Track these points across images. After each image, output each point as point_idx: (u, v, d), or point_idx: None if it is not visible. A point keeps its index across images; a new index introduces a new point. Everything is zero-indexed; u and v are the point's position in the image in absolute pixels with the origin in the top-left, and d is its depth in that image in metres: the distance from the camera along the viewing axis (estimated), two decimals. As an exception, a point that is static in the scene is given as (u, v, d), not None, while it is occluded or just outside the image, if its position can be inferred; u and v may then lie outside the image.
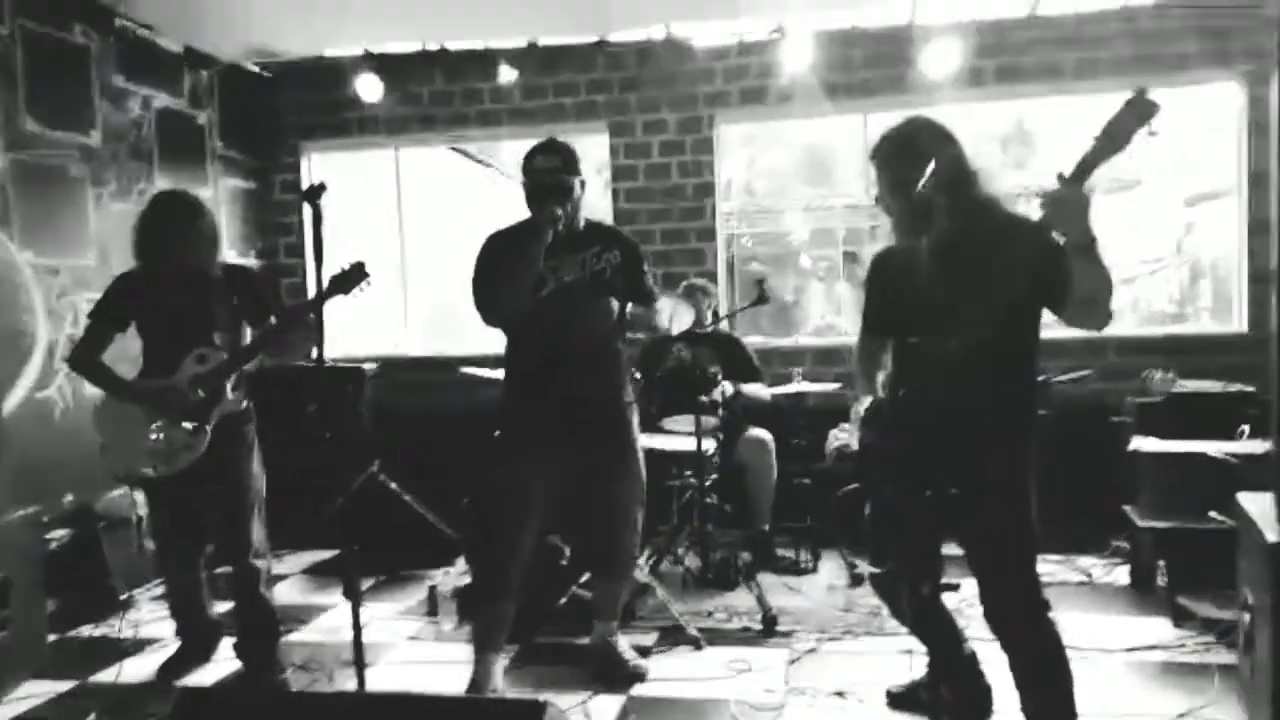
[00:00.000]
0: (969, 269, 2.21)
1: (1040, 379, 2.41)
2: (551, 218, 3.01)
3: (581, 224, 3.21)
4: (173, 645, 3.68)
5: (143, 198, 5.11)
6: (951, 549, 2.44)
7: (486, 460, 3.27)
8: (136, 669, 3.62)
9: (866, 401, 2.57)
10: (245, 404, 3.41)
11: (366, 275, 3.02)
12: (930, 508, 2.17)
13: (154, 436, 3.22)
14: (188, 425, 3.22)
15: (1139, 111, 1.90)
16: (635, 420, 3.34)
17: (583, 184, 3.16)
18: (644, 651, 3.59)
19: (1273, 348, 2.47)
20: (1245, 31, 5.13)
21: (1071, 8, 5.32)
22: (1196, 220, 10.24)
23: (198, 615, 3.60)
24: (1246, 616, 2.85)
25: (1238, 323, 5.38)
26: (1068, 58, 5.37)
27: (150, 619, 4.15)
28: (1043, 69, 5.42)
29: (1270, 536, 2.50)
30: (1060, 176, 2.00)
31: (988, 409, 2.25)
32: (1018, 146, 14.76)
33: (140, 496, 4.62)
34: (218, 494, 3.35)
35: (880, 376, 2.62)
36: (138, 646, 3.86)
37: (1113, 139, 1.93)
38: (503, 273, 3.08)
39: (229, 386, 3.29)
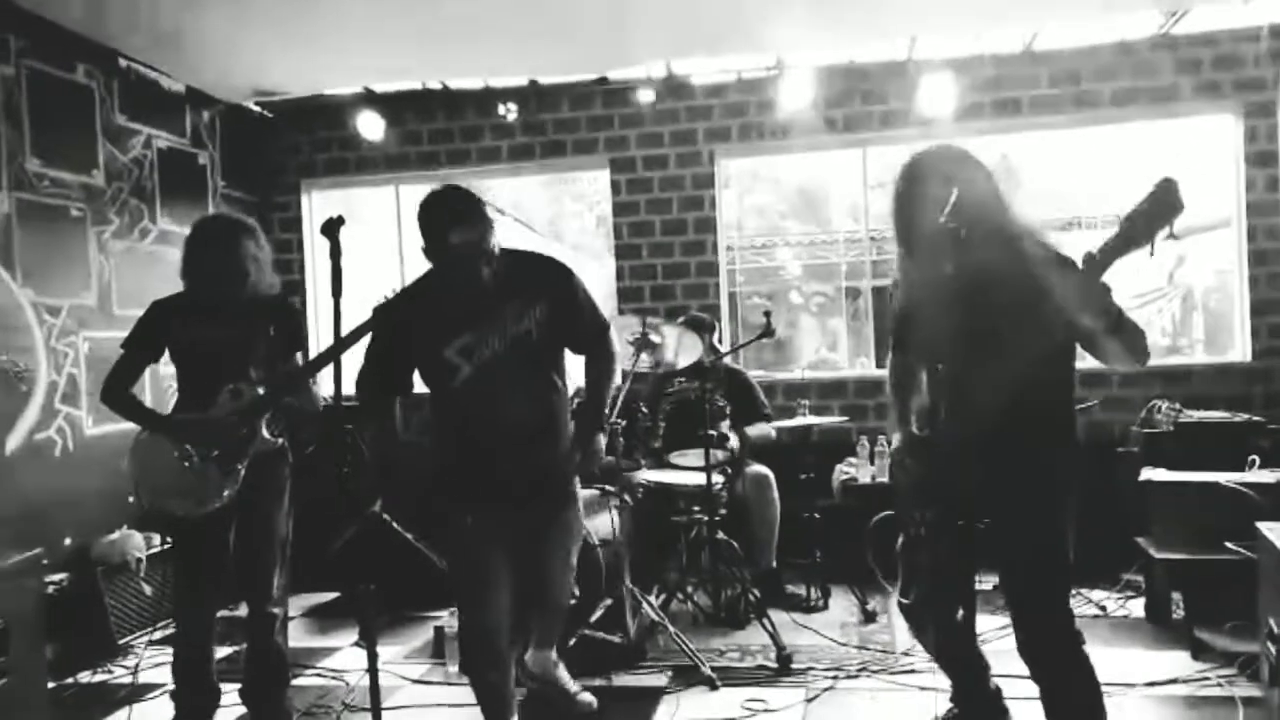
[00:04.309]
0: (1001, 302, 2.17)
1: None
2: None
3: (496, 269, 2.75)
4: (171, 688, 3.56)
5: (145, 237, 5.10)
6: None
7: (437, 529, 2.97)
8: (140, 717, 3.54)
9: (895, 439, 2.53)
10: (281, 443, 3.24)
11: None
12: (964, 538, 2.14)
13: (187, 475, 3.05)
14: (222, 464, 3.06)
15: (1161, 207, 1.82)
16: (577, 489, 3.06)
17: (493, 226, 2.76)
18: (657, 692, 3.52)
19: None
20: (1241, 64, 5.21)
21: (1067, 43, 5.39)
22: (1187, 252, 10.30)
23: (201, 678, 3.28)
24: (1271, 647, 2.82)
25: (1239, 353, 5.40)
26: (1064, 92, 5.43)
27: (148, 665, 4.05)
28: (1039, 103, 5.47)
29: (1297, 566, 2.48)
30: (1088, 257, 1.95)
31: (1026, 439, 2.22)
32: (1002, 181, 14.87)
33: (140, 539, 4.55)
34: (245, 537, 3.17)
35: (914, 403, 2.52)
36: (137, 693, 3.76)
37: (1132, 237, 1.87)
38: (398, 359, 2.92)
39: (264, 424, 3.14)
